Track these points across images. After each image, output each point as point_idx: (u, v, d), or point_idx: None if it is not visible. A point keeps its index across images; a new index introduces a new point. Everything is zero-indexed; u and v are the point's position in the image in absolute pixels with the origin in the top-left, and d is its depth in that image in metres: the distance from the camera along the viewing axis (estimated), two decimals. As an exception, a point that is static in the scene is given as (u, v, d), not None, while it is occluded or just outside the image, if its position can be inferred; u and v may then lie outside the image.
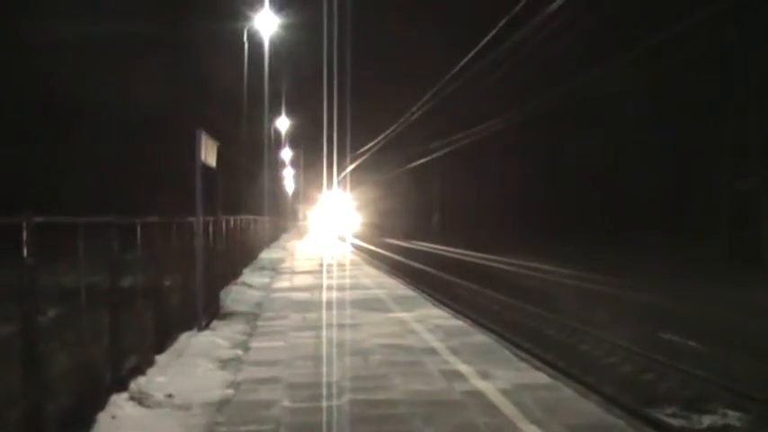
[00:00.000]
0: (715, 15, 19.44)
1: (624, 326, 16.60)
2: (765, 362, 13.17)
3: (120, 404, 7.82)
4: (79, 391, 7.15)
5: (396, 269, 33.63)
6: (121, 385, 8.30)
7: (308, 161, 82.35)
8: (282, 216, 75.62)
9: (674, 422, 10.74)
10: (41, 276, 6.22)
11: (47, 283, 6.50)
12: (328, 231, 67.25)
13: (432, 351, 11.11)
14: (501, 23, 21.49)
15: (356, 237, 67.37)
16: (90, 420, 7.23)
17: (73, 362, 7.05)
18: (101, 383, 7.83)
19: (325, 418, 7.64)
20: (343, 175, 65.40)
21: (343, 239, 59.72)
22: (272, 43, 38.54)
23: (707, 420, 10.88)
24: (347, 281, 22.75)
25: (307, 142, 78.09)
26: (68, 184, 23.99)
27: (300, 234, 74.60)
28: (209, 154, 13.77)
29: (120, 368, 8.48)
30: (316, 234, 73.57)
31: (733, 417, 10.87)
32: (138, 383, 8.63)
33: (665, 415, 10.96)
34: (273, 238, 49.16)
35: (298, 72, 54.99)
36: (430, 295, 21.17)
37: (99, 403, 7.57)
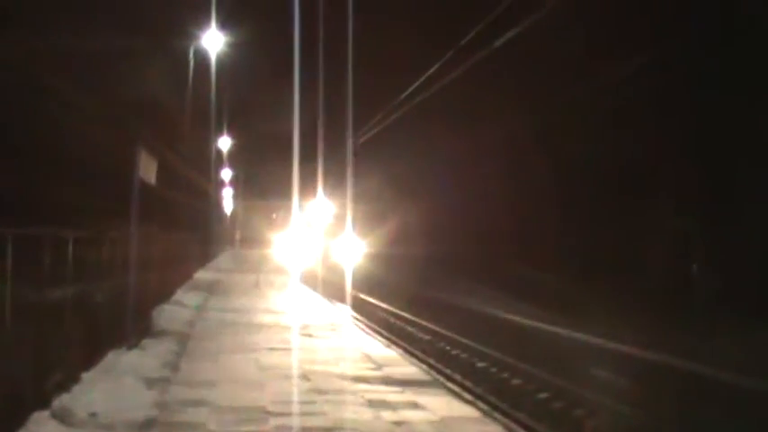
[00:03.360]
0: (656, 57, 19.53)
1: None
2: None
3: (41, 422, 7.60)
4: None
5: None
6: (44, 402, 8.07)
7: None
8: (219, 238, 62.20)
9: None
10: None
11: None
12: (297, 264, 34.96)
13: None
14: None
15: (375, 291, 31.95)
16: (8, 438, 7.02)
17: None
18: (21, 400, 7.60)
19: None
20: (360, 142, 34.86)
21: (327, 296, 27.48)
22: (218, 61, 38.29)
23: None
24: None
25: (254, 159, 72.67)
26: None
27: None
28: (148, 170, 13.59)
29: (43, 384, 8.25)
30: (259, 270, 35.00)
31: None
32: (62, 401, 8.40)
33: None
34: (212, 257, 48.41)
35: (240, 91, 53.91)
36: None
37: (18, 421, 7.35)
